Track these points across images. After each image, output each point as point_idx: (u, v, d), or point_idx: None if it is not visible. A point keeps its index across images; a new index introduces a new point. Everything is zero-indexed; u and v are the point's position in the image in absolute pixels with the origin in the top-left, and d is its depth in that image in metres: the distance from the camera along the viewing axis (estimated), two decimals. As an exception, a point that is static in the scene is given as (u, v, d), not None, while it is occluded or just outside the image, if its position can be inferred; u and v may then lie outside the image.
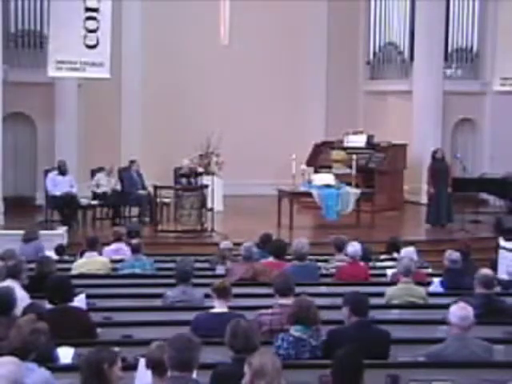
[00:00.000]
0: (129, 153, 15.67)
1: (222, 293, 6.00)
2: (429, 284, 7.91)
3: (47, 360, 4.80)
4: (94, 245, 8.92)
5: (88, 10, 12.81)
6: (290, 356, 5.23)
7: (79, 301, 6.49)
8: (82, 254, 9.00)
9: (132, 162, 14.78)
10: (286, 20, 17.73)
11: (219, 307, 5.97)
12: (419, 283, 7.55)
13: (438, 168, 13.98)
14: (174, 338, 4.32)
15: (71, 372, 4.79)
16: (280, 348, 5.27)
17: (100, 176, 14.47)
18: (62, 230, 11.69)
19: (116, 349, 5.32)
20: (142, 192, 14.37)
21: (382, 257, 9.57)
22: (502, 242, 10.71)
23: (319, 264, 8.62)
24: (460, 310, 5.31)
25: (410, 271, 7.27)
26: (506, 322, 6.42)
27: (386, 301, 7.12)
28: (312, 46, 18.15)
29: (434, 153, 14.21)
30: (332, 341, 5.32)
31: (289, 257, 8.79)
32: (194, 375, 4.55)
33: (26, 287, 7.33)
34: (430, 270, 8.98)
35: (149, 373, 4.51)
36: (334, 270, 8.43)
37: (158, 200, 13.57)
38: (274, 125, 17.54)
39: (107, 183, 14.34)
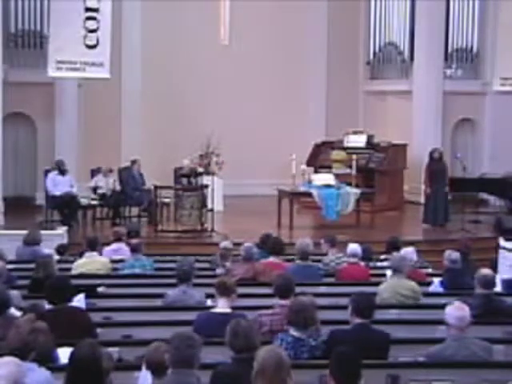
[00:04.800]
0: (129, 153, 15.66)
1: (222, 289, 5.97)
2: (429, 284, 7.91)
3: (47, 360, 4.80)
4: (94, 245, 8.91)
5: (88, 10, 12.83)
6: (289, 356, 5.21)
7: (78, 301, 6.50)
8: (81, 254, 8.99)
9: (134, 161, 14.78)
10: (286, 20, 17.75)
11: (221, 307, 5.95)
12: (420, 283, 7.54)
13: (435, 168, 13.99)
14: (174, 336, 4.34)
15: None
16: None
17: (98, 178, 14.47)
18: (62, 229, 11.69)
19: (116, 349, 5.34)
20: (144, 191, 14.36)
21: (382, 257, 9.57)
22: (502, 242, 10.73)
23: (319, 264, 8.64)
24: (456, 311, 5.31)
25: (402, 268, 7.26)
26: (506, 322, 6.42)
27: (378, 298, 7.10)
28: (312, 46, 18.15)
29: (431, 153, 14.23)
30: (332, 341, 5.32)
31: (289, 256, 8.81)
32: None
33: (27, 288, 7.37)
34: (430, 270, 8.99)
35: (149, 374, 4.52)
36: (333, 264, 8.47)
37: (158, 200, 13.57)
38: (273, 125, 17.54)
39: (105, 184, 14.33)
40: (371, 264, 9.06)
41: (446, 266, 7.97)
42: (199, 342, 4.34)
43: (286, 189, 14.13)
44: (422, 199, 14.76)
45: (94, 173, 14.78)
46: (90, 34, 12.86)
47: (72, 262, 8.90)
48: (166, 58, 16.97)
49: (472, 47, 17.60)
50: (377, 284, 8.10)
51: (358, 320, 5.47)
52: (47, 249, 9.61)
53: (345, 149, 16.34)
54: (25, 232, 9.79)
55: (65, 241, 11.03)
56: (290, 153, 14.28)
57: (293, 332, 5.34)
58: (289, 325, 5.40)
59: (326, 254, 9.01)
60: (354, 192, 13.93)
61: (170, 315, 6.51)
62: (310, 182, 14.34)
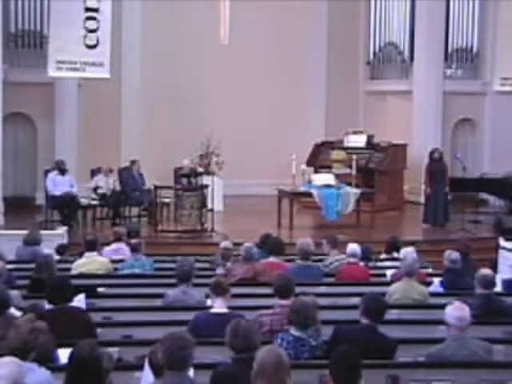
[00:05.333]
0: (129, 153, 15.67)
1: (218, 289, 5.98)
2: (429, 284, 7.90)
3: (47, 360, 4.80)
4: (93, 246, 8.90)
5: (88, 10, 12.83)
6: (289, 356, 5.21)
7: (78, 301, 6.50)
8: (81, 254, 8.99)
9: (133, 161, 14.79)
10: (286, 20, 17.74)
11: (218, 307, 5.96)
12: (420, 283, 7.54)
13: (435, 168, 14.00)
14: (166, 338, 4.28)
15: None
16: (279, 348, 5.26)
17: (98, 178, 14.47)
18: (62, 229, 11.69)
19: (116, 349, 5.34)
20: (144, 191, 14.36)
21: (382, 256, 9.57)
22: (502, 242, 10.72)
23: (319, 263, 8.64)
24: (456, 311, 5.31)
25: (413, 272, 7.27)
26: (506, 322, 6.42)
27: (387, 297, 7.10)
28: (312, 46, 18.14)
29: (431, 153, 14.24)
30: (336, 337, 5.32)
31: (289, 257, 8.80)
32: (192, 374, 4.56)
33: (27, 288, 7.38)
34: (429, 270, 8.99)
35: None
36: (334, 265, 8.46)
37: (158, 200, 13.57)
38: (273, 125, 17.54)
39: (105, 184, 14.33)
40: (371, 264, 9.05)
41: (446, 266, 7.96)
42: (191, 342, 4.28)
43: (286, 189, 14.13)
44: (422, 199, 14.76)
45: (93, 173, 14.78)
46: (90, 34, 12.86)
47: (72, 262, 8.90)
48: (166, 57, 16.97)
49: (472, 47, 17.60)
50: (376, 284, 8.12)
51: (365, 321, 5.47)
52: (47, 249, 9.61)
53: (345, 149, 16.34)
54: (25, 232, 9.80)
55: (65, 241, 11.03)
56: (290, 153, 14.29)
57: (293, 332, 5.34)
58: (289, 324, 5.40)
59: (327, 255, 8.99)
60: (353, 192, 13.93)
61: (170, 315, 6.51)
62: (309, 182, 14.34)
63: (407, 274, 7.23)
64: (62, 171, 13.71)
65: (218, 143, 15.72)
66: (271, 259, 8.43)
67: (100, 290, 7.53)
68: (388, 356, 5.38)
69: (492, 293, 6.70)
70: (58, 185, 13.62)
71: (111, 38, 13.29)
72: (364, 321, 5.46)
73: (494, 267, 9.17)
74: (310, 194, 13.94)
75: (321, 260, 8.87)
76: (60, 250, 9.73)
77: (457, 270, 7.85)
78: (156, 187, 13.56)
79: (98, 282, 7.92)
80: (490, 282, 6.63)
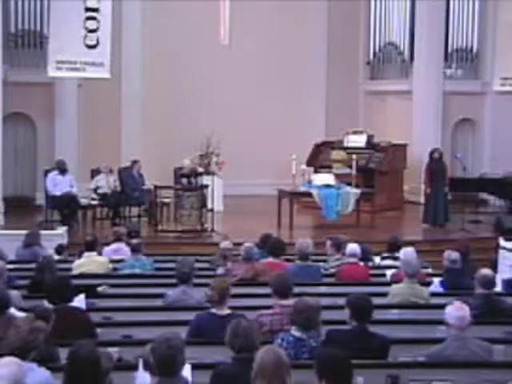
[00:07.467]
0: (129, 153, 15.67)
1: (214, 301, 5.95)
2: (429, 284, 7.90)
3: (47, 360, 4.80)
4: (93, 247, 8.90)
5: (88, 9, 12.82)
6: (289, 356, 5.21)
7: (79, 301, 6.50)
8: (80, 254, 9.00)
9: (135, 161, 14.79)
10: (286, 20, 17.76)
11: (220, 310, 5.92)
12: (420, 283, 7.54)
13: (435, 168, 14.01)
14: (154, 346, 4.21)
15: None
16: (280, 348, 5.25)
17: (99, 177, 14.47)
18: (62, 229, 11.69)
19: (115, 349, 5.34)
20: (143, 191, 14.36)
21: (383, 255, 9.55)
22: (502, 242, 10.73)
23: (319, 264, 8.62)
24: (456, 311, 5.31)
25: (416, 273, 7.26)
26: (506, 322, 6.42)
27: (389, 298, 7.10)
28: (312, 46, 18.15)
29: (432, 153, 14.24)
30: (329, 341, 5.31)
31: (289, 257, 8.80)
32: (190, 374, 4.55)
33: (27, 288, 7.38)
34: (429, 270, 8.99)
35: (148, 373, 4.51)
36: (333, 270, 8.43)
37: (158, 200, 13.57)
38: (274, 125, 17.54)
39: (106, 184, 14.33)
40: (370, 264, 9.05)
41: (446, 266, 7.96)
42: (179, 346, 4.21)
43: (286, 189, 14.13)
44: (422, 199, 14.76)
45: (93, 173, 14.78)
46: (90, 34, 12.85)
47: (71, 261, 8.91)
48: (166, 57, 16.97)
49: (472, 47, 17.60)
50: (376, 284, 8.12)
51: (355, 323, 5.47)
52: (47, 249, 9.61)
53: (345, 149, 16.34)
54: (25, 232, 9.80)
55: (65, 241, 11.04)
56: (289, 153, 14.28)
57: (294, 332, 5.33)
58: (291, 324, 5.39)
59: (327, 255, 8.96)
60: (354, 192, 13.93)
61: (170, 315, 6.51)
62: (309, 182, 14.34)
63: (410, 275, 7.21)
64: (62, 171, 13.71)
65: (217, 143, 15.73)
66: (271, 259, 8.43)
67: (99, 289, 7.53)
68: (382, 355, 5.38)
69: (492, 293, 6.70)
70: (57, 185, 13.62)
71: (111, 38, 13.29)
72: (354, 323, 5.46)
73: (494, 267, 9.18)
74: (310, 194, 13.93)
75: (322, 260, 8.85)
76: (58, 249, 9.73)
77: (457, 270, 7.85)
78: (156, 187, 13.57)
79: (98, 282, 7.92)
80: (490, 282, 6.63)
